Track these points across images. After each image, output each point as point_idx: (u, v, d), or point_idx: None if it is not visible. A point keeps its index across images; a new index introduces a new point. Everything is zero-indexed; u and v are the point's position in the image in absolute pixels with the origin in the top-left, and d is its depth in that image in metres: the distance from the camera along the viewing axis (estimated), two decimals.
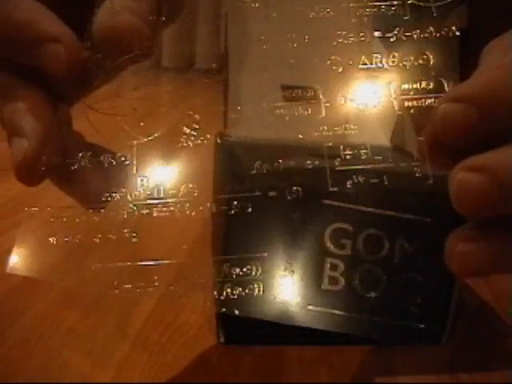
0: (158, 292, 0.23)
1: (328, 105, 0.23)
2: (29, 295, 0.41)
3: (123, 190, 0.24)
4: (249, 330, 0.38)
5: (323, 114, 0.24)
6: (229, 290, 0.23)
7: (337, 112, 0.23)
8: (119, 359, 0.34)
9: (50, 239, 0.23)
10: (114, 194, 0.23)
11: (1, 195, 0.55)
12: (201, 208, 0.23)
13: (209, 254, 0.24)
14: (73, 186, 0.24)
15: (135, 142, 0.24)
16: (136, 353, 0.35)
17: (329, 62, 0.23)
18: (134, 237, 0.23)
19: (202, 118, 0.25)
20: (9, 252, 0.24)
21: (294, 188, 0.23)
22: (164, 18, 0.25)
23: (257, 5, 0.25)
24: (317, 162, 0.23)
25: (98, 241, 0.23)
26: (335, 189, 0.23)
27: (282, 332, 0.37)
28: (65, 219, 0.23)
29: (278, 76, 0.25)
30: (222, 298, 0.23)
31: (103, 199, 0.23)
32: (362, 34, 0.23)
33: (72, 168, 0.23)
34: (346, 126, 0.23)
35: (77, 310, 0.39)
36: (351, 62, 0.24)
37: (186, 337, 0.37)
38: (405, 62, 0.23)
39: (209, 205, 0.23)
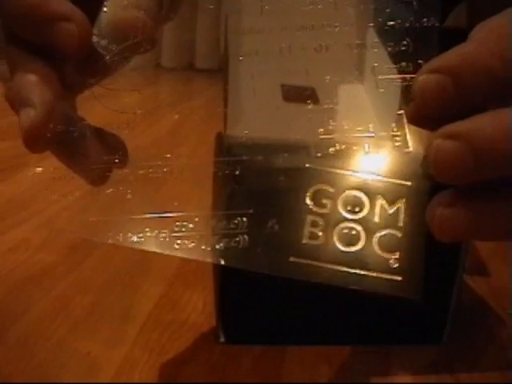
0: (146, 243, 0.24)
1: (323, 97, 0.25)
2: (29, 295, 0.41)
3: (120, 153, 0.25)
4: (249, 329, 0.38)
5: (321, 112, 0.25)
6: (215, 242, 0.24)
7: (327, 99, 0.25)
8: (119, 359, 0.35)
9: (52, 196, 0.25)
10: (111, 159, 0.25)
11: (1, 195, 0.55)
12: (192, 170, 0.25)
13: (198, 209, 0.25)
14: (73, 153, 0.25)
15: (132, 112, 0.25)
16: (136, 353, 0.35)
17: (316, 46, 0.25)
18: (129, 193, 0.25)
19: (202, 117, 0.26)
20: (9, 251, 0.25)
21: (280, 153, 0.25)
22: (165, 11, 0.27)
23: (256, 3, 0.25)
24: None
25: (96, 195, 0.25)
26: (319, 154, 0.24)
27: (281, 332, 0.37)
28: (67, 178, 0.25)
29: (275, 72, 0.26)
30: (209, 248, 0.24)
31: (101, 166, 0.25)
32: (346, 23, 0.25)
33: (74, 135, 0.25)
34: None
35: (77, 310, 0.39)
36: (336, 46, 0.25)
37: (186, 337, 0.37)
38: (388, 48, 0.24)
39: (199, 167, 0.25)
